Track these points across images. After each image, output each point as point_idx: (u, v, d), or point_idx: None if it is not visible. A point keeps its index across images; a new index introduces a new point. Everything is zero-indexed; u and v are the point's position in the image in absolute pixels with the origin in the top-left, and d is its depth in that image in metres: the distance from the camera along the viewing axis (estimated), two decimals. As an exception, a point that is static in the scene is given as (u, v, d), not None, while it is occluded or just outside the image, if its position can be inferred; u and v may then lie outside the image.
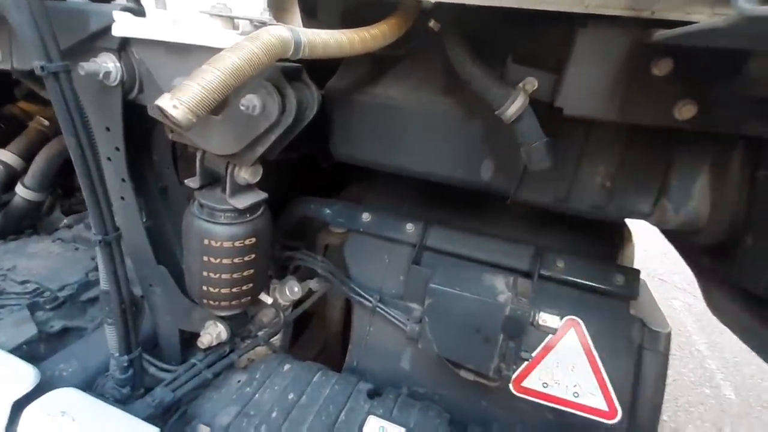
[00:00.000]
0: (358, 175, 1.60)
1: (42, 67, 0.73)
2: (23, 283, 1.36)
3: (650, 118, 0.67)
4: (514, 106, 0.75)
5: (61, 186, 1.84)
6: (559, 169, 0.88)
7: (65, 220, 1.73)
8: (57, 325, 1.26)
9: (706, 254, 0.89)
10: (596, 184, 0.88)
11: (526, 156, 0.77)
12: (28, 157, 1.69)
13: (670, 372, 3.38)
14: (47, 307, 1.28)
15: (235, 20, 0.65)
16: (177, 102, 0.49)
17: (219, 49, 0.64)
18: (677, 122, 0.66)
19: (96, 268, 1.47)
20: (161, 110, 0.50)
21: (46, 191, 1.69)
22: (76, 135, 0.78)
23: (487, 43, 0.86)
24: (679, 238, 1.03)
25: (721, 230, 0.78)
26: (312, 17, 0.93)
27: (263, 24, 0.64)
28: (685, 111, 0.65)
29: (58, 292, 1.33)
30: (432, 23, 0.87)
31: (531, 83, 0.76)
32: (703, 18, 0.57)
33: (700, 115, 0.64)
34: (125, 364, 1.00)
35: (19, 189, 1.64)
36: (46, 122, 1.75)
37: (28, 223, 1.75)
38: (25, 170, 1.67)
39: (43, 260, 1.50)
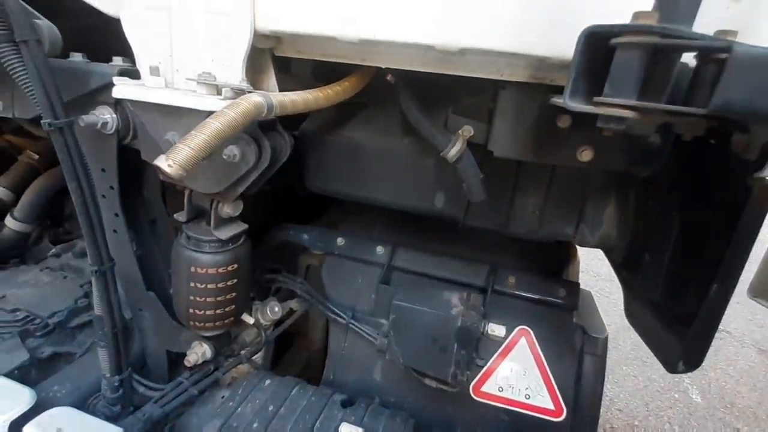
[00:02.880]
0: (333, 202, 1.74)
1: (49, 124, 0.85)
2: (13, 311, 1.42)
3: (559, 160, 0.83)
4: (455, 149, 0.90)
5: (49, 216, 1.92)
6: (498, 199, 1.03)
7: (53, 249, 1.80)
8: (47, 350, 1.32)
9: (621, 268, 1.05)
10: (528, 212, 1.03)
11: (466, 190, 0.92)
12: (17, 190, 1.77)
13: (641, 378, 3.48)
14: (38, 334, 1.35)
15: (218, 86, 0.79)
16: (171, 161, 0.62)
17: (205, 112, 0.77)
18: (581, 163, 0.82)
19: (84, 296, 1.54)
20: (159, 168, 0.63)
21: (35, 222, 1.76)
22: (77, 179, 0.89)
23: (435, 94, 1.02)
24: (606, 255, 1.19)
25: (627, 249, 0.94)
26: (286, 73, 1.08)
27: (242, 90, 0.78)
28: (585, 155, 0.81)
29: (48, 319, 1.40)
30: (389, 77, 1.03)
31: (468, 130, 0.92)
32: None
33: (597, 158, 0.80)
34: (116, 384, 1.08)
35: (9, 221, 1.71)
36: (36, 156, 1.83)
37: (15, 253, 1.81)
38: (14, 202, 1.75)
39: (33, 289, 1.56)
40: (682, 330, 0.76)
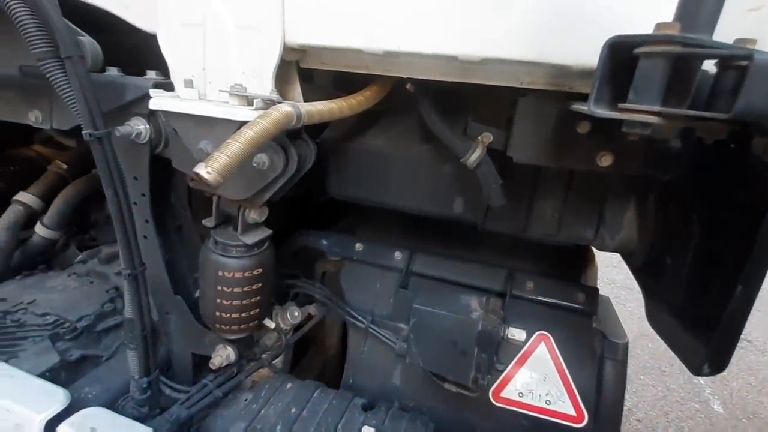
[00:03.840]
0: (351, 207, 1.77)
1: (90, 134, 0.89)
2: (43, 315, 1.47)
3: (579, 165, 0.85)
4: (474, 156, 0.92)
5: (76, 223, 1.98)
6: (516, 204, 1.05)
7: (80, 256, 1.86)
8: (76, 353, 1.36)
9: (641, 272, 1.05)
10: (547, 216, 1.05)
11: (486, 195, 0.94)
12: (47, 198, 1.83)
13: (660, 388, 3.42)
14: (67, 337, 1.39)
15: (249, 98, 0.83)
16: (210, 169, 0.66)
17: (237, 122, 0.81)
18: (600, 168, 0.84)
19: (110, 301, 1.59)
20: (198, 175, 0.66)
21: (63, 230, 1.83)
22: (114, 187, 0.94)
23: (454, 102, 1.05)
24: (625, 260, 1.19)
25: (648, 252, 0.95)
26: (308, 83, 1.12)
27: (272, 101, 0.82)
28: (605, 159, 0.82)
29: (76, 323, 1.44)
30: (408, 86, 1.06)
31: (487, 137, 0.94)
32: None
33: (616, 162, 0.82)
34: (144, 386, 1.11)
35: (38, 228, 1.77)
36: (65, 166, 1.91)
37: (42, 260, 1.87)
38: (44, 210, 1.82)
39: (61, 294, 1.61)
40: (705, 332, 0.76)
